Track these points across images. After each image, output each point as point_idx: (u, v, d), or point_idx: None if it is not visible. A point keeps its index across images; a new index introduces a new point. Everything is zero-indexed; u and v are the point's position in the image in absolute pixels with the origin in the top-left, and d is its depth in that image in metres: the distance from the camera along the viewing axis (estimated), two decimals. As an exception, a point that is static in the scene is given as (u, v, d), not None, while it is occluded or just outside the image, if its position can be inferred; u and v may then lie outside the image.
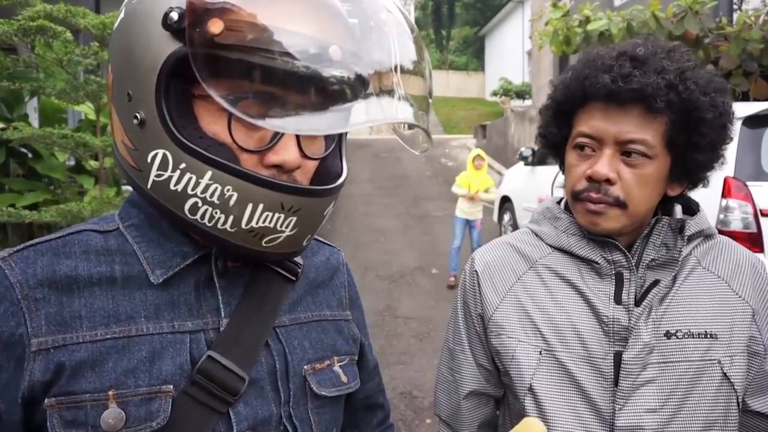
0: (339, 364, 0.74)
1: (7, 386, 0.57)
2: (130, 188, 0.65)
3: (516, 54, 20.54)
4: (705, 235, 0.91)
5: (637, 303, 0.85)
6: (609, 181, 0.83)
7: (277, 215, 0.59)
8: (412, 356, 4.23)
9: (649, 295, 0.85)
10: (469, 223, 5.88)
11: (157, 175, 0.59)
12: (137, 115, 0.58)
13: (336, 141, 0.69)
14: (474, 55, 28.65)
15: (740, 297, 0.88)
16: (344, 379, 0.74)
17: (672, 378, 0.83)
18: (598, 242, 0.88)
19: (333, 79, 0.56)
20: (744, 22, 4.42)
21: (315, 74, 0.55)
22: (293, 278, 0.72)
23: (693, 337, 0.85)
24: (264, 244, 0.61)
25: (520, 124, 11.73)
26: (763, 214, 3.17)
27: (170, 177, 0.58)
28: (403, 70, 0.60)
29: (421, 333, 4.66)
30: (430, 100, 0.65)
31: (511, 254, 0.97)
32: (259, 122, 0.55)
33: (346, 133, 0.72)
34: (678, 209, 0.94)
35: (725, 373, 0.84)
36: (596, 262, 0.88)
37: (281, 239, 0.61)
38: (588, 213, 0.85)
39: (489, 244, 1.02)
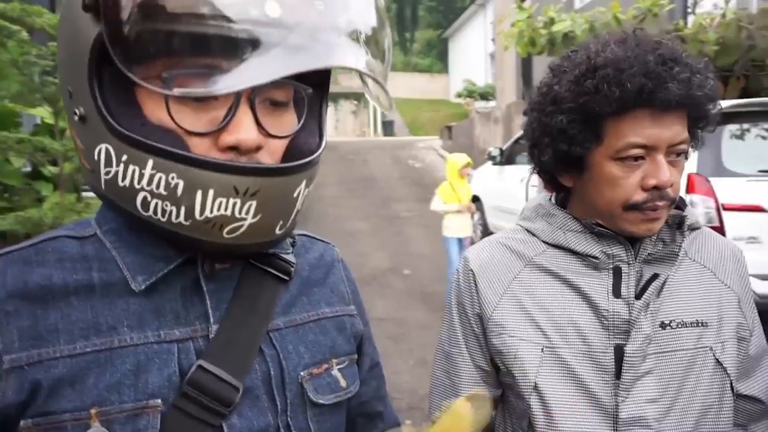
0: (338, 366, 0.69)
1: None
2: (91, 194, 0.62)
3: (479, 56, 20.84)
4: (692, 228, 0.93)
5: (638, 296, 0.86)
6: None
7: (232, 201, 0.53)
8: (388, 358, 4.22)
9: (649, 289, 0.86)
10: (460, 242, 5.18)
11: (106, 173, 0.55)
12: (76, 111, 0.55)
13: (314, 113, 0.63)
14: (438, 57, 28.94)
15: (726, 285, 0.91)
16: (343, 383, 0.69)
17: (669, 367, 0.85)
18: (598, 237, 0.89)
19: (274, 39, 0.49)
20: (700, 24, 4.59)
21: (252, 37, 0.49)
22: (286, 278, 0.67)
23: (686, 327, 0.87)
24: (226, 235, 0.55)
25: (485, 125, 11.89)
26: (724, 209, 3.29)
27: (116, 172, 0.54)
28: (360, 26, 0.55)
29: (395, 335, 4.65)
30: (388, 55, 0.59)
31: (505, 253, 0.96)
32: (200, 91, 0.50)
33: (327, 104, 0.67)
34: None
35: (717, 359, 0.86)
36: (595, 257, 0.88)
37: (244, 228, 0.55)
38: (646, 221, 0.84)
39: (480, 243, 1.01)
